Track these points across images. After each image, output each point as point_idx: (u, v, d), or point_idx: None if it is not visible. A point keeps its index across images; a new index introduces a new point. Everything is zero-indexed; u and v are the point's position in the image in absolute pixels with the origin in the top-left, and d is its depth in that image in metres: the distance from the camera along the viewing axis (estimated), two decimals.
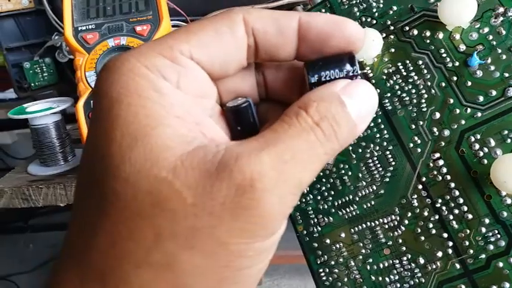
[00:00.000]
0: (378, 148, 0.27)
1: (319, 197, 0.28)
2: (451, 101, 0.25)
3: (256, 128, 0.17)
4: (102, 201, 0.14)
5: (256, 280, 0.15)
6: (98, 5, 0.38)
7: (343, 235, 0.27)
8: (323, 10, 0.30)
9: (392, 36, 0.28)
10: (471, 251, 0.23)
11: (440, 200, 0.24)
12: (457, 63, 0.25)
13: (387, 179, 0.26)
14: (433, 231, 0.24)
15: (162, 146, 0.14)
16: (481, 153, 0.24)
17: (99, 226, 0.14)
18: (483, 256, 0.23)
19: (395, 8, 0.28)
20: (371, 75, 0.28)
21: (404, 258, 0.25)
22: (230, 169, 0.13)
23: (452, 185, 0.24)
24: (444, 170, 0.25)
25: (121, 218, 0.14)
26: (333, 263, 0.27)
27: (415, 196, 0.25)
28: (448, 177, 0.24)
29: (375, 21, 0.28)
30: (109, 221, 0.14)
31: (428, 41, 0.26)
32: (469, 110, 0.25)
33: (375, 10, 0.28)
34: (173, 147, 0.14)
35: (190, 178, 0.13)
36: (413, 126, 0.26)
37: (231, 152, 0.14)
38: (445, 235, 0.24)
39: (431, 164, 0.25)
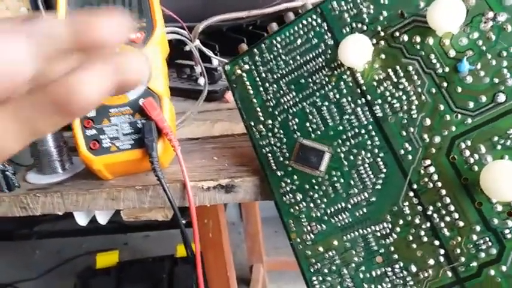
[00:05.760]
0: (369, 155, 0.27)
1: (311, 205, 0.28)
2: (442, 107, 0.25)
3: None
4: None
5: None
6: None
7: (335, 243, 0.27)
8: (314, 16, 0.30)
9: (382, 42, 0.27)
10: (463, 259, 0.23)
11: (431, 207, 0.24)
12: (447, 69, 0.25)
13: (379, 186, 0.26)
14: (425, 239, 0.24)
15: None
16: (472, 160, 0.23)
17: None
18: (474, 264, 0.23)
19: (385, 13, 0.28)
20: (361, 81, 0.28)
21: (397, 266, 0.25)
22: None
23: (443, 192, 0.24)
24: (435, 177, 0.24)
25: None
26: (326, 271, 0.27)
27: (407, 203, 0.25)
28: (439, 184, 0.24)
29: (365, 27, 0.28)
30: None
31: (418, 47, 0.26)
32: (459, 117, 0.24)
33: (365, 16, 0.28)
34: None
35: None
36: (404, 133, 0.26)
37: None
38: (437, 243, 0.24)
39: (422, 171, 0.25)
